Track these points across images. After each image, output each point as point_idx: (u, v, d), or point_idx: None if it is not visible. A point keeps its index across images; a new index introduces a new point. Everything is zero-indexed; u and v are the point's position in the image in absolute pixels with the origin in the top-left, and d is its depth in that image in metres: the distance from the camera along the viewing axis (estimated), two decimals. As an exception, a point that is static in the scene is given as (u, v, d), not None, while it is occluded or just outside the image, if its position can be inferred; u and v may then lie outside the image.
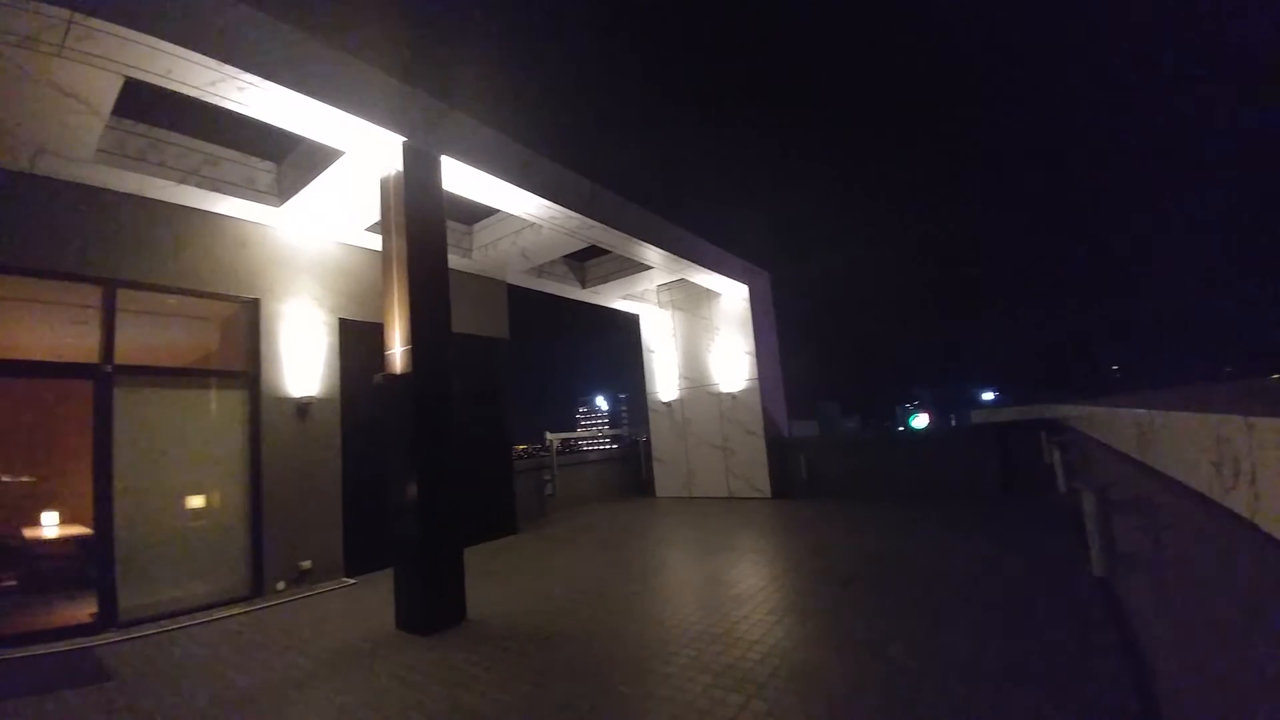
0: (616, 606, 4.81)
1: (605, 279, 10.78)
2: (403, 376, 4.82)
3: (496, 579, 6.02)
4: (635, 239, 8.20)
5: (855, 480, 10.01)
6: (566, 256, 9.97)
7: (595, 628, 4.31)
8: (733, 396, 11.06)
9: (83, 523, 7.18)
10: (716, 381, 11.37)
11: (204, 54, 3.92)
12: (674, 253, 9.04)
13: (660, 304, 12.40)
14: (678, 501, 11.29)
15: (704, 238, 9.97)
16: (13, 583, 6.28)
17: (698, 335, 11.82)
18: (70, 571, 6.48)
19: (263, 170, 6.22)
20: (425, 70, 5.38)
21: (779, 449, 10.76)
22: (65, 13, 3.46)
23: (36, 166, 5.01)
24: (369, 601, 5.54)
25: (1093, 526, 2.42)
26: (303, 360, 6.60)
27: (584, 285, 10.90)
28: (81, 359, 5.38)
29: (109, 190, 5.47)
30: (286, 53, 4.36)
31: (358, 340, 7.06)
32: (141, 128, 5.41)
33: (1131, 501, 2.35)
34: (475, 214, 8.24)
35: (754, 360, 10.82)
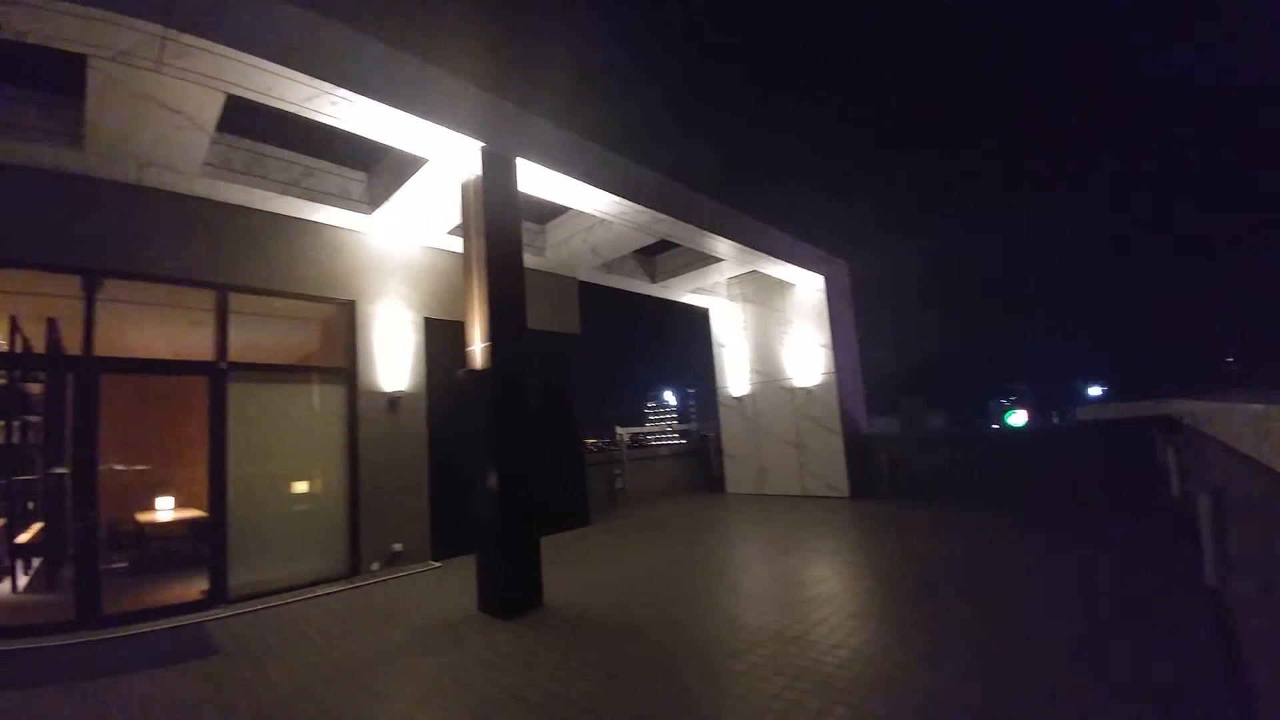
0: (689, 601, 4.80)
1: (675, 273, 10.73)
2: (483, 371, 5.03)
3: (570, 569, 6.16)
4: (705, 232, 8.11)
5: (943, 481, 9.44)
6: (636, 252, 10.01)
7: (668, 621, 4.32)
8: (807, 391, 10.72)
9: (198, 507, 8.00)
10: (790, 376, 11.06)
11: (299, 71, 4.23)
12: (745, 244, 8.86)
13: (731, 297, 12.20)
14: (749, 498, 11.11)
15: (777, 227, 9.70)
16: (124, 564, 7.01)
17: (770, 328, 11.54)
18: (184, 552, 7.18)
19: (355, 180, 6.67)
20: (503, 76, 5.56)
21: (858, 446, 10.33)
22: (159, 28, 3.75)
23: (144, 179, 5.52)
24: (453, 584, 5.84)
25: (1206, 531, 2.17)
26: (393, 357, 7.03)
27: (653, 280, 10.88)
28: (199, 357, 5.97)
29: (219, 202, 6.01)
30: (375, 67, 4.63)
31: (441, 337, 7.44)
32: (245, 142, 5.91)
33: (1249, 504, 2.08)
34: (548, 213, 8.46)
35: (830, 353, 10.44)
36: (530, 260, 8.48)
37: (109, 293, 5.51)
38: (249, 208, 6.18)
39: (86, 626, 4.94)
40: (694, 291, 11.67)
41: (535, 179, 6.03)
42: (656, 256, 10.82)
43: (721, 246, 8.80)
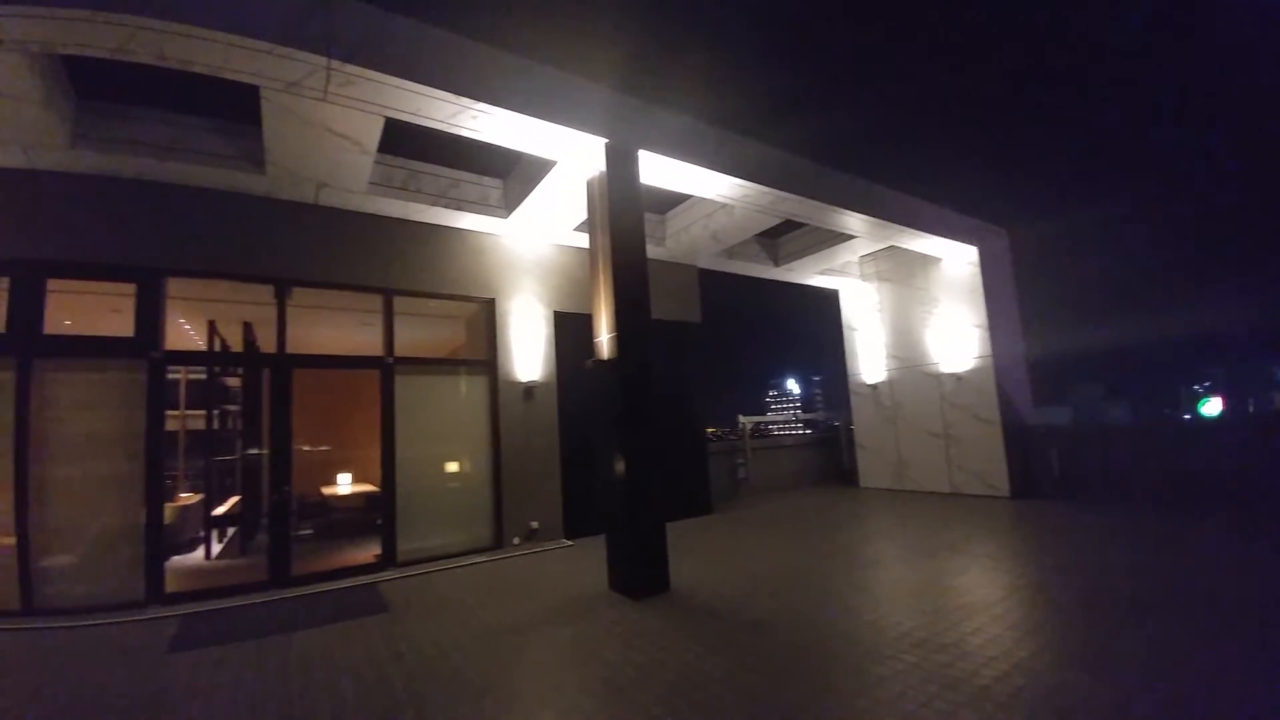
0: (821, 598, 4.61)
1: (800, 254, 10.20)
2: (609, 361, 5.19)
3: (694, 556, 6.20)
4: (835, 208, 7.65)
5: (1123, 480, 8.14)
6: (758, 235, 9.67)
7: (799, 617, 4.18)
8: (957, 377, 9.73)
9: (370, 482, 9.18)
10: (935, 360, 10.11)
11: (445, 90, 4.61)
12: (882, 217, 8.21)
13: (864, 276, 11.41)
14: (887, 494, 10.40)
15: (919, 196, 8.87)
16: (310, 531, 8.15)
17: (910, 308, 10.62)
18: (359, 521, 8.31)
19: (493, 188, 7.19)
20: (626, 70, 5.65)
21: (1020, 439, 9.22)
22: (322, 59, 4.22)
23: (320, 199, 6.36)
24: (585, 562, 6.14)
25: None
26: (527, 349, 7.52)
27: (777, 263, 10.45)
28: (369, 353, 6.80)
29: (382, 216, 6.78)
30: (510, 78, 4.94)
31: (570, 330, 7.82)
32: (400, 160, 6.57)
33: None
34: (668, 203, 8.47)
35: (986, 334, 9.36)
36: (651, 251, 8.57)
37: (296, 299, 6.45)
38: (406, 219, 6.91)
39: (278, 586, 5.83)
40: (822, 273, 11.05)
41: (657, 169, 6.07)
42: (780, 239, 10.39)
43: (853, 222, 8.24)
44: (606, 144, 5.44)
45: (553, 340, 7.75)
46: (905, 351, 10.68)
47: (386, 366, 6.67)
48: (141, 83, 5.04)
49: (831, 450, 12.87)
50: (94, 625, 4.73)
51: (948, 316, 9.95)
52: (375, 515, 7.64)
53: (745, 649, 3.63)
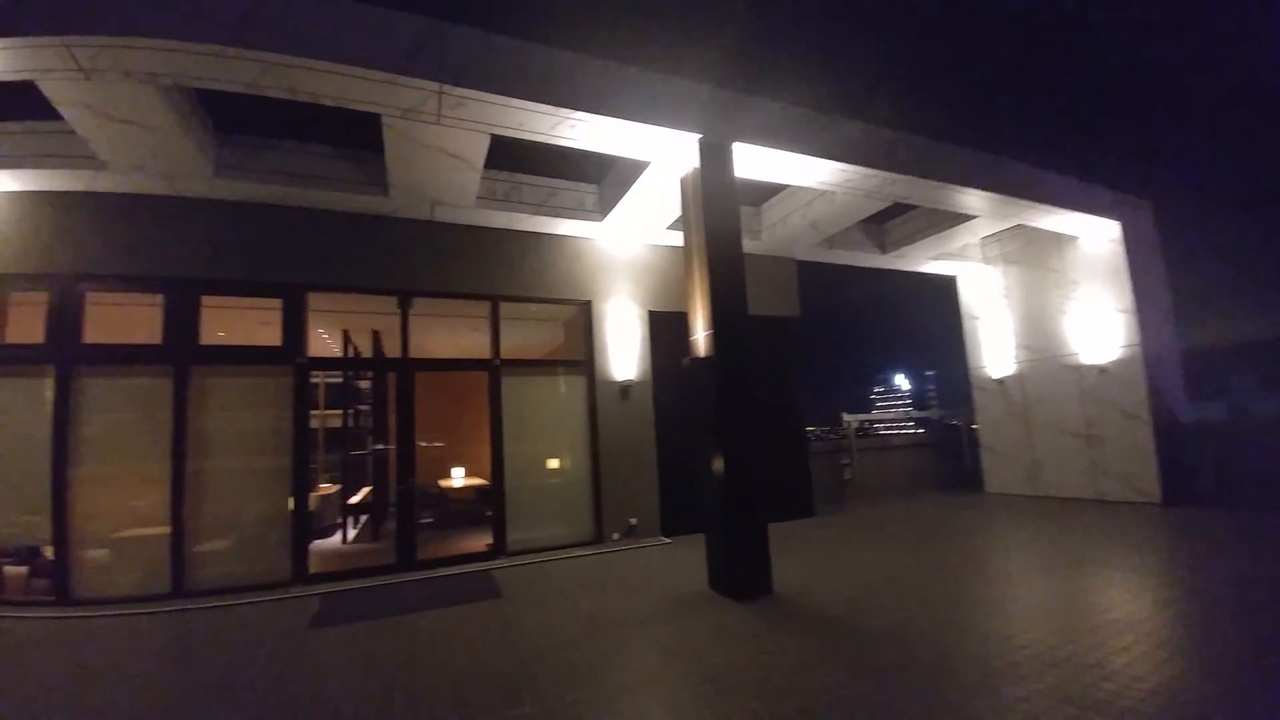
0: (944, 610, 4.27)
1: (911, 239, 9.43)
2: (705, 359, 5.14)
3: (797, 559, 5.99)
4: (952, 186, 7.06)
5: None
6: (862, 221, 9.07)
7: (919, 629, 3.90)
8: (1099, 370, 8.68)
9: (480, 476, 9.77)
10: (1074, 351, 9.07)
11: (544, 103, 4.81)
12: (1007, 193, 7.47)
13: (987, 259, 10.44)
14: (1017, 500, 9.48)
15: (1049, 168, 7.99)
16: (430, 520, 8.80)
17: (1043, 293, 9.60)
18: (472, 512, 8.92)
19: (589, 193, 7.40)
20: (719, 64, 5.58)
21: (1174, 439, 8.06)
22: (435, 85, 4.52)
23: (435, 215, 6.85)
24: (684, 560, 6.13)
25: None
26: (623, 349, 7.65)
27: (884, 250, 9.77)
28: (478, 356, 7.23)
29: (489, 227, 7.20)
30: (604, 84, 5.06)
31: (664, 329, 7.85)
32: (504, 174, 6.94)
33: None
34: (763, 194, 8.26)
35: (1133, 320, 8.29)
36: (746, 245, 8.36)
37: (416, 308, 7.01)
38: (509, 229, 7.29)
39: (404, 569, 6.37)
40: (936, 258, 10.17)
41: (752, 161, 5.93)
42: (887, 224, 9.72)
43: (973, 200, 7.57)
44: (700, 140, 5.39)
45: (648, 339, 7.82)
46: (1038, 341, 9.66)
47: (494, 368, 7.06)
48: (276, 116, 5.70)
49: (949, 451, 11.92)
50: (246, 603, 5.38)
51: (1087, 301, 8.88)
52: (486, 507, 8.14)
53: (858, 660, 3.44)
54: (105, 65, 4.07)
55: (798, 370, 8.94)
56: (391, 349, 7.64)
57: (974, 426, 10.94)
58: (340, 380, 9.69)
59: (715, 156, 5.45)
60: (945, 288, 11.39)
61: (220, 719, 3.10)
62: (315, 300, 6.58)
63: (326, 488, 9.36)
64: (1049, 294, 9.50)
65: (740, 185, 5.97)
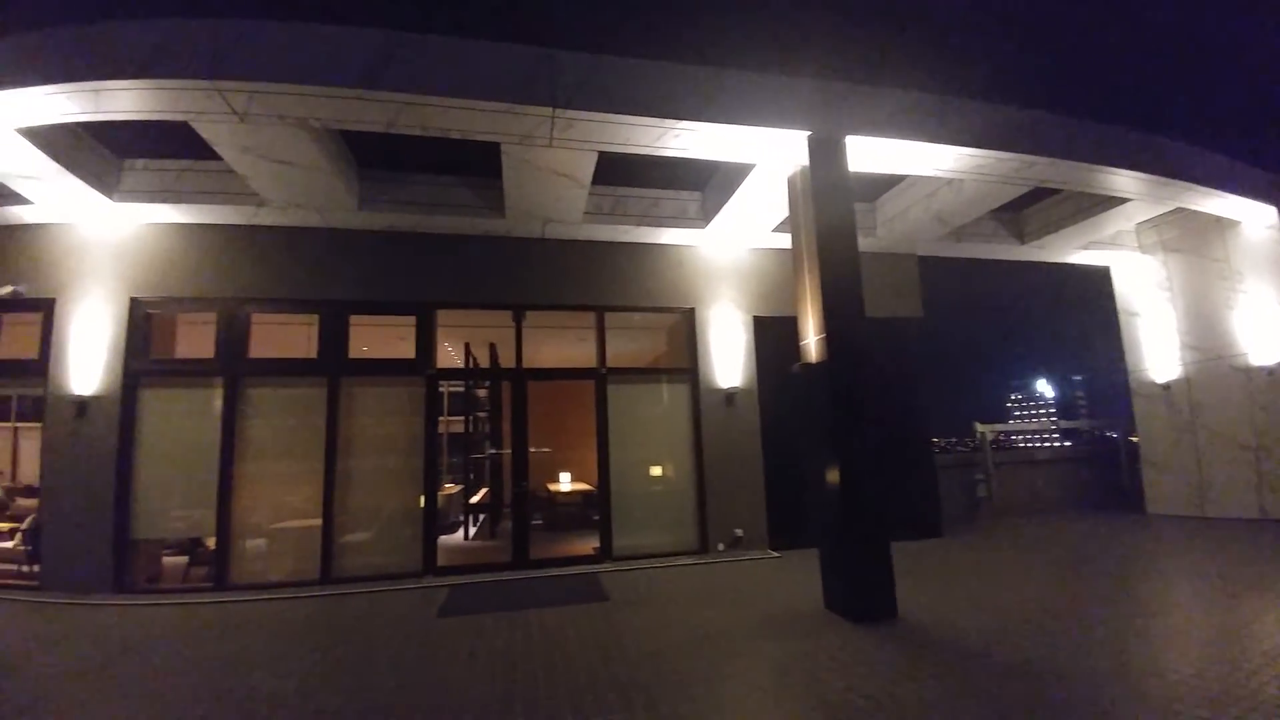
0: (1093, 643, 3.73)
1: (1054, 227, 8.34)
2: (818, 365, 4.89)
3: (924, 582, 5.50)
4: (1098, 167, 6.22)
5: None
6: (995, 210, 8.10)
7: (1065, 662, 3.42)
8: (1269, 372, 7.41)
9: (586, 481, 10.04)
10: (1243, 351, 7.74)
11: (650, 116, 4.85)
12: (1158, 173, 6.49)
13: (1143, 247, 9.08)
14: (1182, 521, 8.18)
15: (1206, 146, 6.87)
16: (540, 521, 9.14)
17: (1207, 285, 8.26)
18: (578, 516, 9.21)
19: (691, 201, 7.39)
20: (828, 57, 5.35)
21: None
22: (548, 110, 4.72)
23: (546, 233, 7.17)
24: (795, 576, 5.85)
25: None
26: (727, 356, 7.51)
27: (1022, 240, 8.73)
28: (585, 365, 7.43)
29: (594, 241, 7.40)
30: (708, 91, 5.01)
31: (770, 334, 7.59)
32: (608, 189, 7.10)
33: None
34: (877, 188, 7.73)
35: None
36: (861, 243, 7.88)
37: (529, 321, 7.37)
38: (614, 241, 7.46)
39: (519, 567, 6.71)
40: (1086, 247, 8.94)
41: (867, 153, 5.58)
42: (1024, 211, 8.67)
43: (1123, 182, 6.61)
44: (809, 136, 5.16)
45: (753, 346, 7.61)
46: (1205, 341, 8.31)
47: (600, 376, 7.24)
48: (408, 151, 6.27)
49: (1105, 467, 10.43)
50: (383, 590, 5.92)
51: (1254, 293, 7.58)
52: (591, 511, 8.34)
53: (999, 698, 3.04)
54: (258, 109, 4.62)
55: (922, 377, 8.26)
56: (506, 360, 8.11)
57: (1133, 439, 9.48)
58: (462, 389, 10.44)
59: (826, 152, 5.19)
60: (1097, 280, 10.00)
61: (358, 699, 3.37)
62: (442, 316, 7.14)
63: (450, 488, 10.08)
64: (1213, 286, 8.15)
65: (854, 178, 5.65)
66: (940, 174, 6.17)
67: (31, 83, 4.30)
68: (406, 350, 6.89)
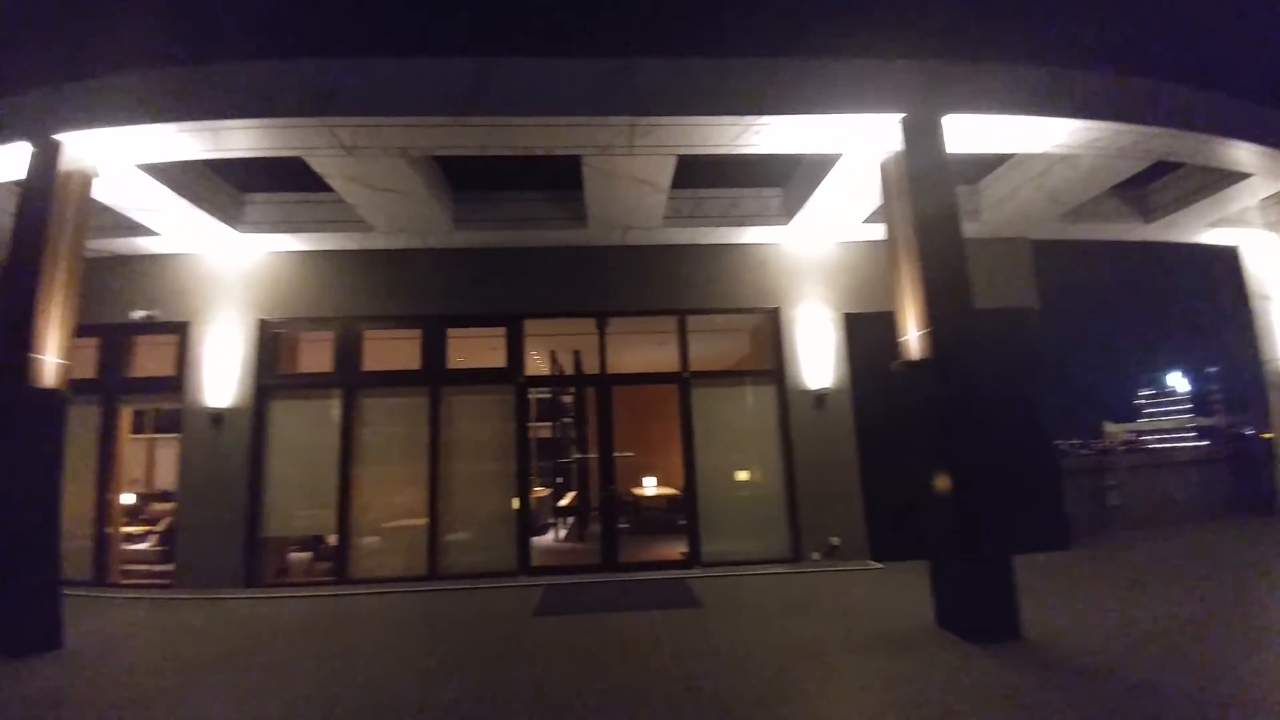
0: (1248, 668, 3.28)
1: (1181, 204, 7.43)
2: (921, 362, 4.59)
3: (1050, 600, 5.00)
4: (1224, 139, 5.59)
5: None
6: (1115, 187, 7.18)
7: (1234, 697, 3.00)
8: None
9: (670, 486, 10.00)
10: None
11: (729, 114, 4.78)
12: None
13: (1268, 224, 7.94)
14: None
15: None
16: (626, 525, 9.19)
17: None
18: (664, 520, 9.20)
19: (772, 197, 7.18)
20: (922, 33, 5.05)
21: None
22: (628, 119, 4.75)
23: (627, 239, 7.24)
24: (901, 589, 5.48)
25: None
26: (816, 355, 7.23)
27: (1146, 219, 7.82)
28: (667, 369, 7.44)
29: (674, 245, 7.39)
30: (788, 82, 4.87)
31: (862, 332, 7.22)
32: (687, 192, 7.00)
33: None
34: (980, 169, 7.16)
35: None
36: (964, 229, 7.34)
37: (611, 327, 7.47)
38: (694, 244, 7.42)
39: (608, 570, 6.80)
40: (1212, 225, 7.94)
41: (968, 132, 5.20)
42: (1149, 186, 7.77)
43: (1243, 155, 5.91)
44: (903, 119, 4.87)
45: (843, 344, 7.28)
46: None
47: (683, 380, 7.21)
48: (495, 170, 6.53)
49: (1243, 468, 9.16)
50: (483, 588, 6.20)
51: None
52: (677, 515, 8.29)
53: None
54: (364, 142, 4.98)
55: (1041, 373, 7.57)
56: (590, 366, 8.26)
57: (1268, 436, 8.25)
58: (548, 396, 10.75)
59: (922, 135, 4.87)
60: (1227, 262, 8.80)
61: (468, 692, 3.52)
62: (529, 326, 7.39)
63: (539, 491, 10.39)
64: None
65: (954, 161, 5.29)
66: (1052, 150, 5.66)
67: (150, 120, 4.71)
68: (498, 359, 7.19)
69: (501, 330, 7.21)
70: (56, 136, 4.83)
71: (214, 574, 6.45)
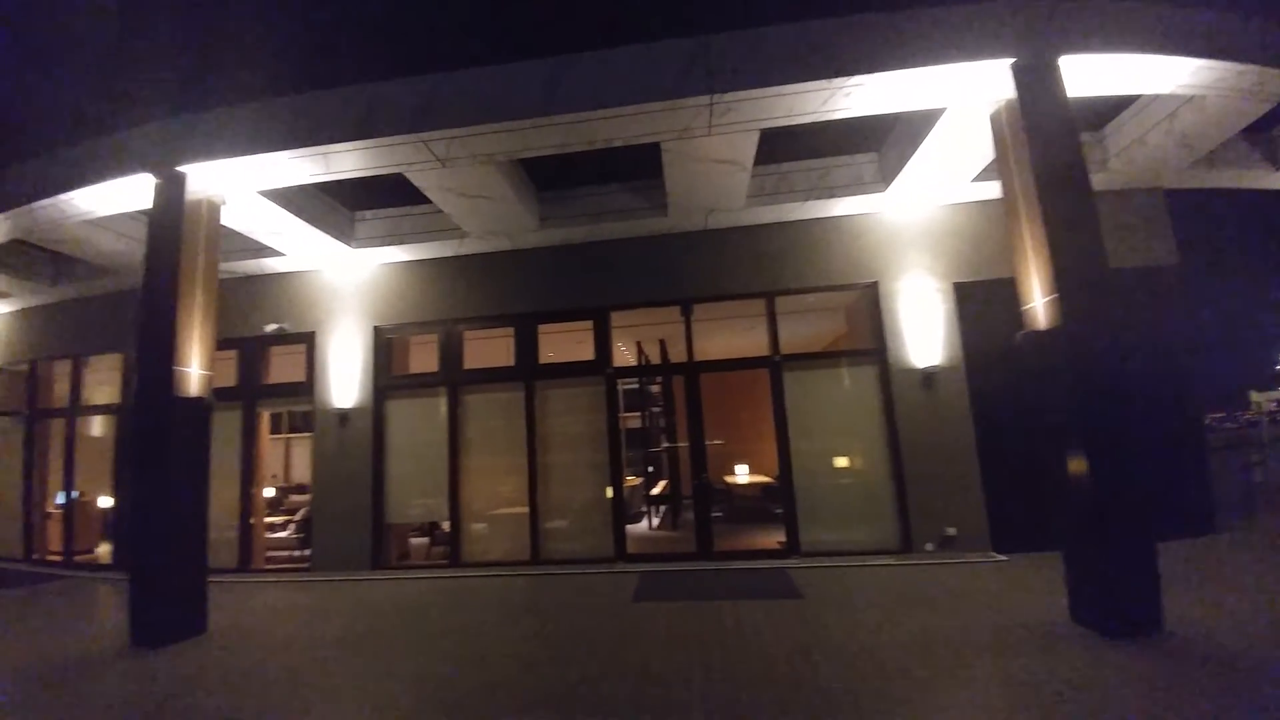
0: None
1: None
2: (1049, 332, 4.13)
3: (1196, 589, 4.46)
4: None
5: None
6: (1246, 130, 6.23)
7: None
8: None
9: (763, 473, 9.75)
10: None
11: (815, 79, 4.47)
12: None
13: None
14: None
15: None
16: (719, 514, 9.05)
17: None
18: (757, 508, 9.01)
19: (866, 164, 6.72)
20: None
21: None
22: (705, 99, 4.57)
23: (709, 223, 7.09)
24: (1029, 582, 5.06)
25: None
26: (922, 331, 6.72)
27: (1277, 166, 6.74)
28: (756, 353, 7.22)
29: (760, 225, 7.16)
30: (879, 37, 4.49)
31: (976, 302, 6.63)
32: (770, 168, 6.73)
33: None
34: (1103, 115, 6.33)
35: None
36: (1092, 180, 6.54)
37: (697, 314, 7.37)
38: (781, 221, 7.14)
39: (703, 558, 6.76)
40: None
41: (1087, 75, 4.60)
42: (1272, 131, 6.63)
43: None
44: (1013, 64, 4.36)
45: (954, 317, 6.70)
46: None
47: (774, 364, 6.98)
48: (575, 166, 6.54)
49: None
50: (583, 574, 6.40)
51: None
52: (771, 504, 8.08)
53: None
54: (455, 153, 5.18)
55: (1183, 338, 6.63)
56: (676, 354, 8.23)
57: None
58: (636, 386, 10.85)
59: (1037, 79, 4.35)
60: None
61: (572, 672, 3.63)
62: (616, 318, 7.47)
63: (631, 480, 10.53)
64: None
65: (1075, 106, 4.68)
66: (1180, 90, 4.92)
67: (266, 149, 5.10)
68: (586, 352, 7.34)
69: (589, 324, 7.35)
70: (180, 168, 5.30)
71: (345, 558, 7.13)
